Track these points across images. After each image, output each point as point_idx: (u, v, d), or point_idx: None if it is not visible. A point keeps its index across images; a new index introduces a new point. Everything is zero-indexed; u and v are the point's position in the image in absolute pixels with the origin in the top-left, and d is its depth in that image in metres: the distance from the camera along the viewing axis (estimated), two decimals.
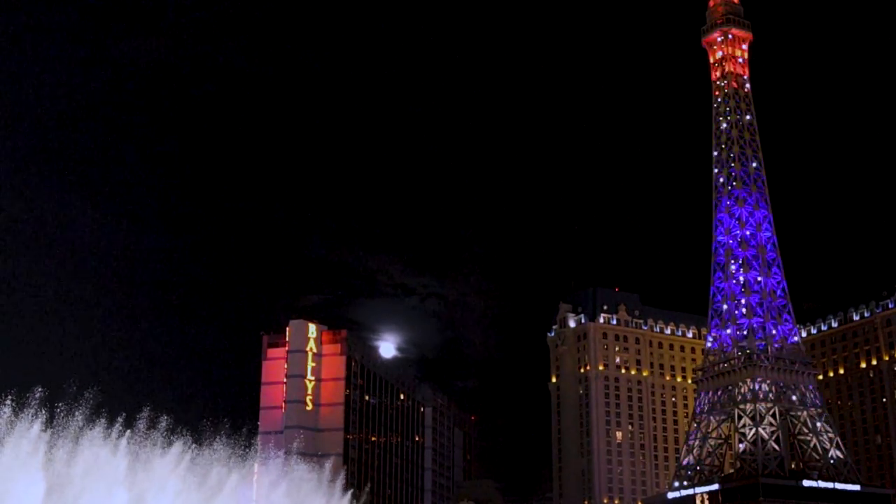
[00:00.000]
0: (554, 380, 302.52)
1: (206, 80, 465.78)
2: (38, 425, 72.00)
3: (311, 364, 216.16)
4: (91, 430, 75.40)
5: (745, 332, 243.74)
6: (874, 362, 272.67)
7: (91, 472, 73.07)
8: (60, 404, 75.66)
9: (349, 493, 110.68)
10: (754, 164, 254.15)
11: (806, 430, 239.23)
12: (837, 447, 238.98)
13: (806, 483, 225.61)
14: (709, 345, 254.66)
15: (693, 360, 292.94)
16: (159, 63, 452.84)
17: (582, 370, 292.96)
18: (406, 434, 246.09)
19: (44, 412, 73.09)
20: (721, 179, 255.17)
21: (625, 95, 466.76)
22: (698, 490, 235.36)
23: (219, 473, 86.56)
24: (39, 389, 73.90)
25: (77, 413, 75.76)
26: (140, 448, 78.47)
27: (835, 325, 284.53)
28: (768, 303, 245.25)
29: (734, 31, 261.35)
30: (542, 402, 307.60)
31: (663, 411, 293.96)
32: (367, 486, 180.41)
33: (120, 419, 78.06)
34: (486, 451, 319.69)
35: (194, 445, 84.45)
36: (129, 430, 78.19)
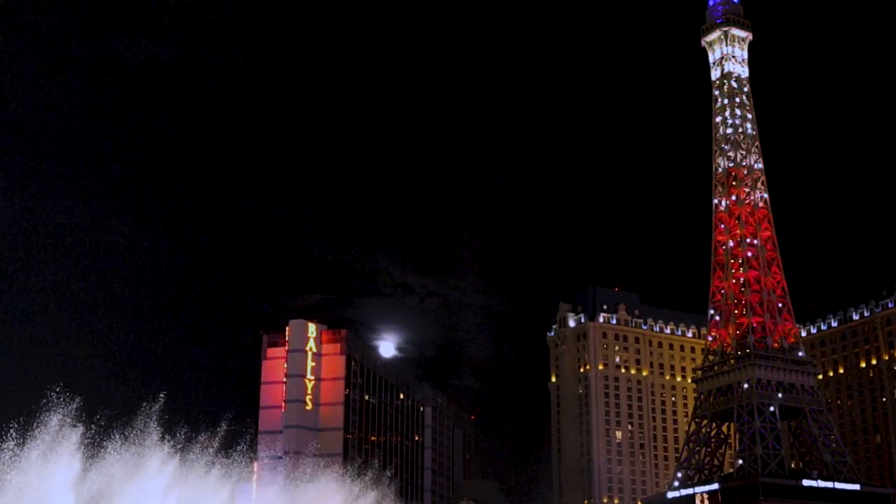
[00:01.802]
0: (554, 379, 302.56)
1: (206, 79, 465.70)
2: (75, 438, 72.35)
3: (310, 364, 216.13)
4: (101, 431, 75.75)
5: (744, 332, 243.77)
6: (874, 362, 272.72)
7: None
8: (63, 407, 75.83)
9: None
10: (754, 164, 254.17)
11: (806, 430, 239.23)
12: (837, 446, 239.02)
13: (806, 482, 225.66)
14: (708, 344, 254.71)
15: (693, 359, 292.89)
16: (159, 62, 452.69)
17: (582, 370, 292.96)
18: (406, 433, 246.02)
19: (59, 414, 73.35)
20: (721, 179, 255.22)
21: (625, 95, 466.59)
22: (698, 490, 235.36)
23: (219, 473, 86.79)
24: (59, 385, 74.17)
25: (91, 419, 76.01)
26: (144, 450, 78.80)
27: (834, 324, 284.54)
28: (768, 302, 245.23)
29: (734, 30, 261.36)
30: (542, 401, 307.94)
31: (663, 411, 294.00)
32: (390, 472, 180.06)
33: (122, 421, 78.33)
34: (485, 450, 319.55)
35: (194, 445, 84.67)
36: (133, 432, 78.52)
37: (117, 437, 77.23)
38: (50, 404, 73.97)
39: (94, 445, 75.68)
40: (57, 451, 72.04)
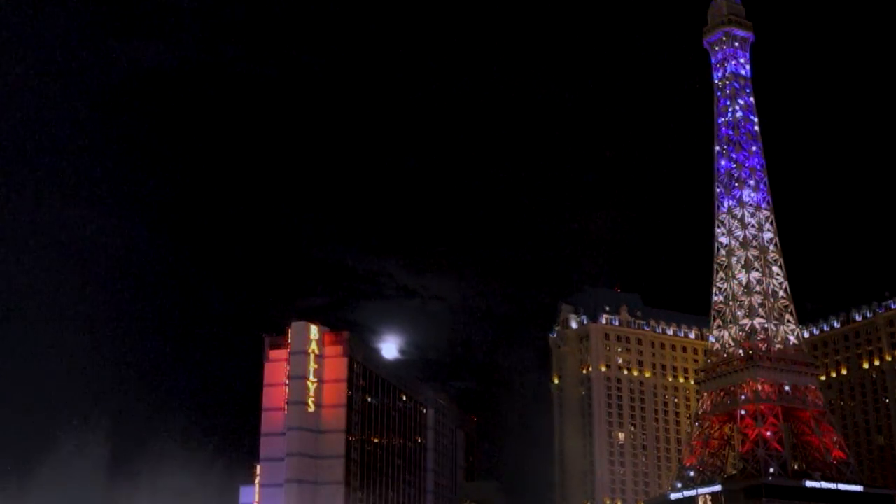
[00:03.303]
0: (556, 381, 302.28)
1: (207, 82, 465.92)
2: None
3: (312, 365, 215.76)
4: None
5: (746, 333, 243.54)
6: (876, 363, 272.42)
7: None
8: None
9: None
10: (756, 165, 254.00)
11: (808, 431, 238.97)
12: (840, 448, 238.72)
13: (808, 484, 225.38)
14: (710, 346, 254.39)
15: (695, 360, 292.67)
16: (161, 65, 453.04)
17: (584, 371, 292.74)
18: (408, 435, 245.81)
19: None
20: (722, 180, 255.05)
21: (626, 96, 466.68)
22: (700, 491, 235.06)
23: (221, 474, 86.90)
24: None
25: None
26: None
27: (837, 325, 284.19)
28: (770, 303, 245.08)
29: (735, 31, 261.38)
30: (544, 403, 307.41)
31: (665, 412, 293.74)
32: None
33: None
34: (487, 452, 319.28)
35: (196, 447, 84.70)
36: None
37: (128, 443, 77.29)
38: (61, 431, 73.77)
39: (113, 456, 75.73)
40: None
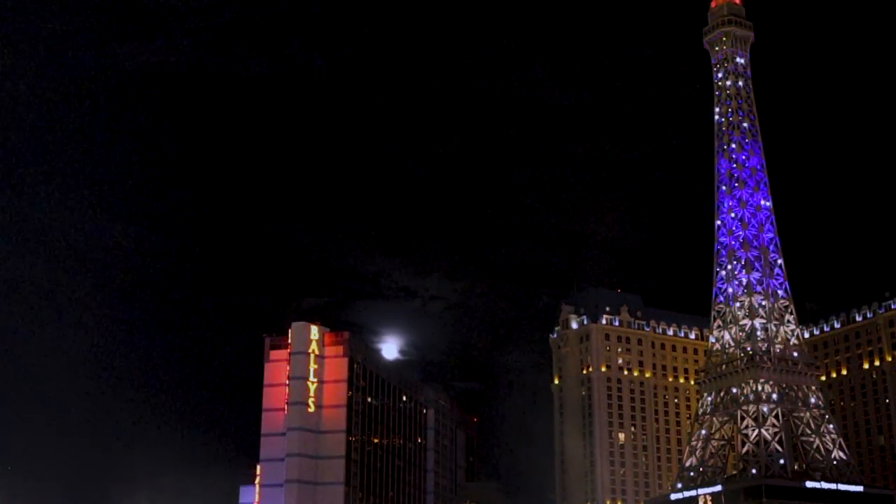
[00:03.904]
0: (556, 381, 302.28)
1: (207, 83, 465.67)
2: None
3: (313, 366, 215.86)
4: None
5: (747, 333, 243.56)
6: (877, 363, 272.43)
7: None
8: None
9: None
10: (756, 165, 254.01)
11: (809, 432, 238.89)
12: (840, 448, 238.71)
13: (809, 484, 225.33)
14: (711, 346, 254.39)
15: (695, 361, 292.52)
16: (161, 66, 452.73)
17: (584, 371, 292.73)
18: (408, 436, 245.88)
19: None
20: (723, 180, 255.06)
21: (626, 95, 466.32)
22: (701, 491, 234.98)
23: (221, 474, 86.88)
24: None
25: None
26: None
27: (837, 325, 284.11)
28: (770, 304, 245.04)
29: (736, 31, 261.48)
30: (545, 403, 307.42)
31: (666, 412, 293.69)
32: None
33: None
34: (488, 452, 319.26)
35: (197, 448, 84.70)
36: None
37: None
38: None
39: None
40: None
